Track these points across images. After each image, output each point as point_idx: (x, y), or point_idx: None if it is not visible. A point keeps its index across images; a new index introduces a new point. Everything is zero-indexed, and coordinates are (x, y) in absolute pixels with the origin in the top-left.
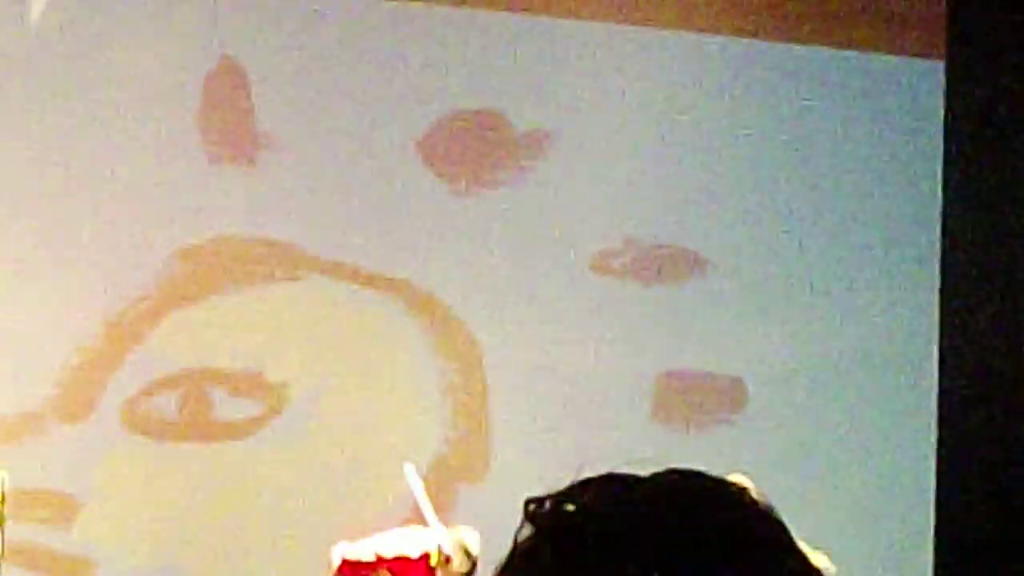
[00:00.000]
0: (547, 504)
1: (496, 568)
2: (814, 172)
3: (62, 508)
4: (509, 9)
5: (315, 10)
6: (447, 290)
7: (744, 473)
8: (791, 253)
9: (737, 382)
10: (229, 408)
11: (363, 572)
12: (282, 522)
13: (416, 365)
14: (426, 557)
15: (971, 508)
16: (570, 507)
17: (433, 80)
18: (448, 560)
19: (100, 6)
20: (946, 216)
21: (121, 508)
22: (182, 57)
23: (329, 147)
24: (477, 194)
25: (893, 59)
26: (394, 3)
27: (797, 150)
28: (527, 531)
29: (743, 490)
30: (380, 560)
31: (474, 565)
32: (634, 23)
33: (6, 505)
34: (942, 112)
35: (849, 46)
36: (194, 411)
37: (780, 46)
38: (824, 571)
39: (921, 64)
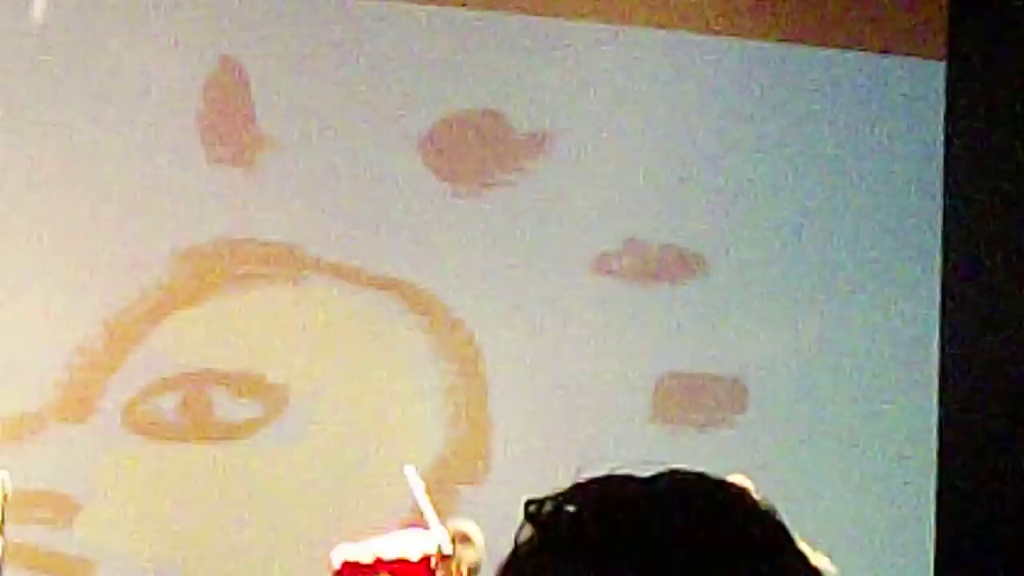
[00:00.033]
0: (547, 505)
1: (497, 568)
2: (815, 173)
3: (63, 508)
4: (510, 11)
5: (315, 12)
6: (447, 291)
7: (744, 474)
8: (791, 254)
9: (737, 383)
10: (229, 409)
11: (363, 574)
12: (282, 522)
13: (416, 366)
14: (426, 560)
15: (972, 508)
16: (570, 508)
17: (434, 81)
18: (446, 558)
19: (100, 9)
20: (947, 216)
21: (121, 508)
22: (182, 59)
23: (329, 148)
24: (477, 195)
25: (894, 60)
26: (395, 5)
27: (798, 150)
28: (527, 532)
29: (743, 491)
30: (380, 562)
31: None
32: (634, 24)
33: (7, 505)
34: (943, 112)
35: (850, 47)
36: (194, 412)
37: (780, 46)
38: (824, 571)
39: (922, 65)
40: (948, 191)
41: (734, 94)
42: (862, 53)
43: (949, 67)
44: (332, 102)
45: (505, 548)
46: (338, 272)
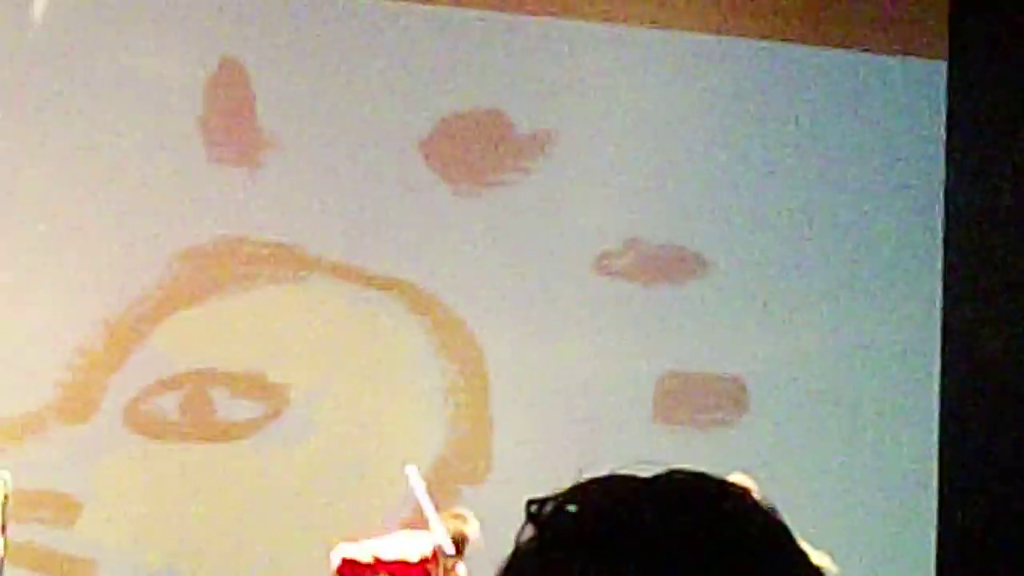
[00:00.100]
0: (549, 505)
1: (498, 568)
2: (815, 173)
3: (64, 508)
4: (511, 11)
5: (316, 13)
6: (449, 291)
7: (745, 473)
8: (792, 254)
9: (738, 383)
10: (230, 409)
11: (362, 573)
12: (283, 522)
13: (418, 366)
14: (425, 562)
15: (973, 508)
16: (572, 508)
17: (435, 81)
18: (435, 558)
19: (101, 9)
20: (948, 216)
21: (123, 508)
22: (183, 60)
23: (331, 148)
24: (479, 195)
25: (895, 59)
26: (397, 5)
27: (798, 151)
28: (529, 532)
29: (745, 490)
30: (378, 563)
31: (463, 540)
32: (636, 25)
33: (8, 505)
34: (944, 112)
35: (851, 47)
36: (196, 412)
37: (781, 46)
38: (826, 571)
39: (923, 64)
40: (949, 191)
41: (735, 94)
42: (863, 53)
43: (950, 67)
44: (333, 102)
45: (506, 548)
46: (339, 272)
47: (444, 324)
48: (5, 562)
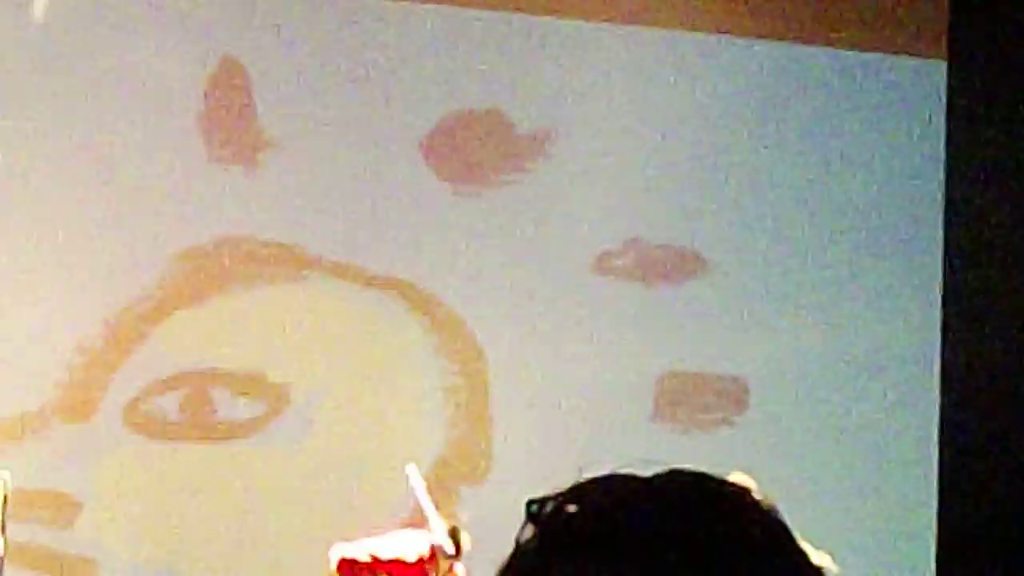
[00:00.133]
0: (549, 505)
1: (498, 568)
2: (815, 173)
3: (64, 508)
4: (511, 10)
5: (316, 12)
6: (449, 291)
7: (745, 473)
8: (792, 254)
9: (738, 382)
10: (231, 408)
11: (360, 572)
12: (283, 522)
13: (418, 366)
14: (422, 561)
15: (974, 508)
16: (572, 508)
17: (435, 81)
18: (433, 558)
19: (101, 8)
20: (948, 216)
21: (123, 508)
22: (183, 58)
23: (331, 148)
24: (479, 195)
25: (895, 59)
26: (397, 5)
27: (798, 151)
28: (529, 532)
29: (745, 490)
30: (376, 562)
31: (459, 548)
32: (636, 24)
33: (8, 505)
34: (944, 112)
35: (851, 46)
36: (196, 411)
37: (781, 46)
38: (826, 571)
39: (923, 64)
40: (949, 191)
41: (735, 94)
42: (863, 53)
43: (950, 67)
44: (333, 101)
45: (506, 548)
46: (339, 271)
47: (444, 324)
48: (5, 562)
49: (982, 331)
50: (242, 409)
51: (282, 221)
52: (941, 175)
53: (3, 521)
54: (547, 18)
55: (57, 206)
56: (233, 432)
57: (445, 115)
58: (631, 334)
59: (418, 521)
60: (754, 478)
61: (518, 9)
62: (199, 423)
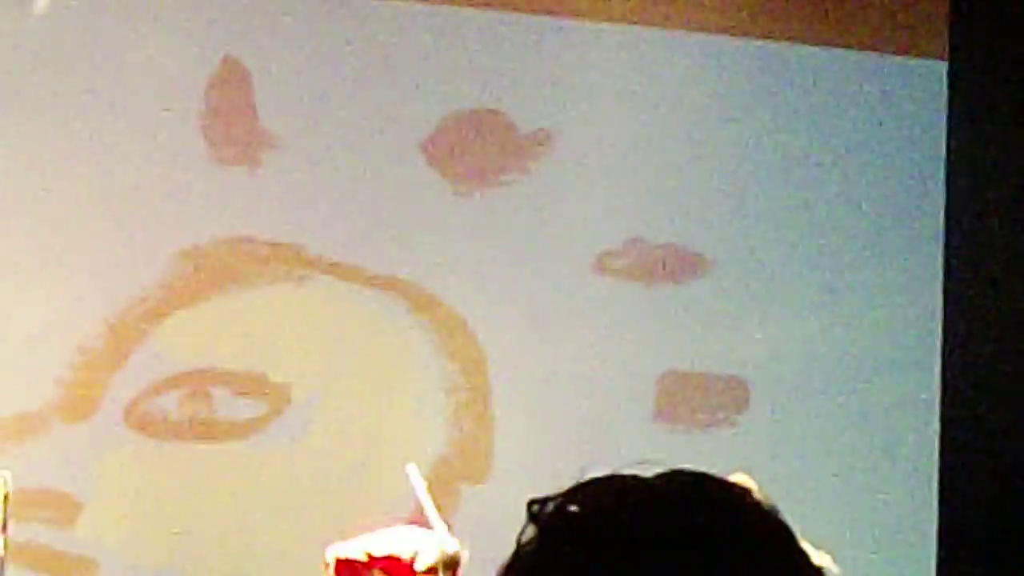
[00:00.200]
0: (550, 505)
1: (499, 569)
2: (816, 172)
3: (64, 507)
4: (513, 10)
5: (317, 11)
6: (450, 291)
7: (746, 473)
8: (793, 253)
9: (739, 382)
10: (231, 408)
11: (357, 571)
12: (284, 521)
13: (419, 365)
14: (414, 558)
15: (975, 508)
16: (573, 508)
17: (436, 81)
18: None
19: (102, 7)
20: (949, 216)
21: (123, 507)
22: (184, 58)
23: (332, 148)
24: (480, 195)
25: (896, 59)
26: (398, 5)
27: (799, 150)
28: (530, 532)
29: (746, 490)
30: (371, 559)
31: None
32: (636, 24)
33: (9, 504)
34: (945, 112)
35: (851, 46)
36: (196, 411)
37: (781, 46)
38: (827, 571)
39: (924, 64)
40: (950, 191)
41: (735, 94)
42: (863, 53)
43: (951, 67)
44: (335, 101)
45: (508, 548)
46: (340, 271)
47: (445, 324)
48: (5, 561)
49: (982, 331)
50: (242, 409)
51: (283, 221)
52: (941, 175)
53: (4, 520)
54: (548, 18)
55: (58, 206)
56: (234, 431)
57: (446, 115)
58: (632, 334)
59: (419, 520)
60: (755, 478)
61: (520, 9)
62: (200, 423)
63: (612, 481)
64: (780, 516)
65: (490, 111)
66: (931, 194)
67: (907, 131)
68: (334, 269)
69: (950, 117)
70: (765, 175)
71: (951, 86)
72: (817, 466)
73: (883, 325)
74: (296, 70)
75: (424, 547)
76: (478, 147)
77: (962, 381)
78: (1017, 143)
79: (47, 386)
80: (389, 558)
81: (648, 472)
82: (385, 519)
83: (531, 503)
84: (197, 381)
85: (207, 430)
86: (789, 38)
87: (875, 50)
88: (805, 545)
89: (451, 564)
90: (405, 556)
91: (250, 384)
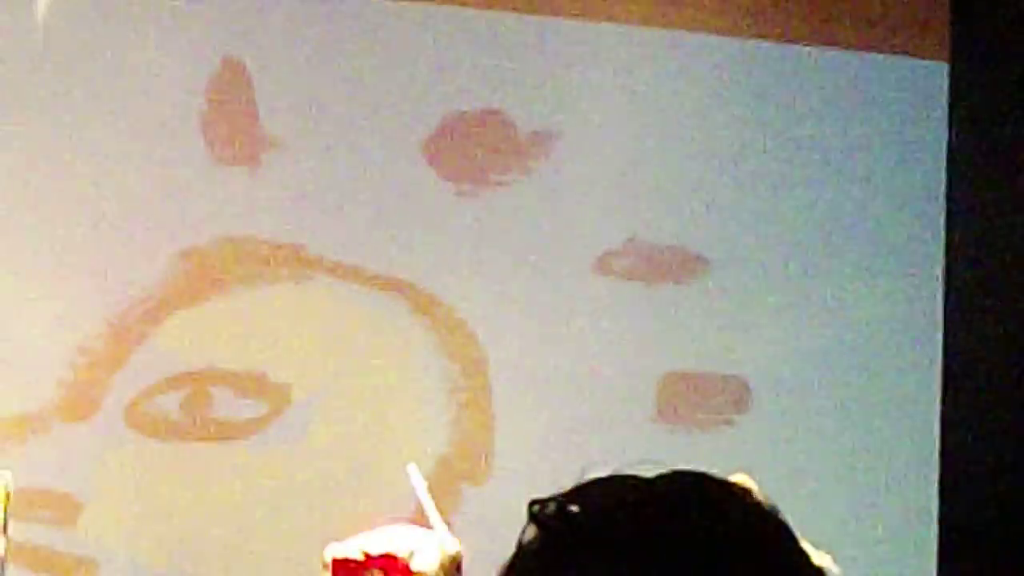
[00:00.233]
0: (551, 506)
1: (499, 569)
2: (816, 173)
3: (65, 508)
4: (513, 9)
5: (318, 12)
6: (450, 291)
7: (747, 473)
8: (794, 254)
9: (740, 382)
10: (232, 408)
11: (355, 571)
12: (284, 522)
13: (419, 366)
14: (411, 555)
15: (975, 509)
16: (574, 509)
17: (437, 81)
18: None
19: (103, 9)
20: (950, 216)
21: (124, 508)
22: (185, 59)
23: (333, 148)
24: (481, 195)
25: (896, 59)
26: (399, 5)
27: (799, 151)
28: (531, 533)
29: (747, 491)
30: (368, 558)
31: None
32: (636, 24)
33: (9, 505)
34: (946, 113)
35: (851, 46)
36: (197, 411)
37: (781, 46)
38: (828, 571)
39: (924, 65)
40: (951, 191)
41: (735, 94)
42: (863, 53)
43: (952, 67)
44: (335, 102)
45: (508, 548)
46: (341, 272)
47: (446, 324)
48: (5, 562)
49: (983, 331)
50: (243, 409)
51: (283, 221)
52: (942, 176)
53: (4, 521)
54: (548, 18)
55: (58, 206)
56: (235, 432)
57: (447, 115)
58: (633, 334)
59: (419, 520)
60: (755, 478)
61: (522, 9)
62: (200, 423)
63: (613, 481)
64: (780, 516)
65: (491, 111)
66: (932, 195)
67: (908, 132)
68: (335, 269)
69: (951, 118)
70: (765, 175)
71: (952, 87)
72: (817, 466)
73: (883, 325)
74: (296, 70)
75: (422, 546)
76: (479, 147)
77: (962, 381)
78: (1019, 144)
79: (47, 386)
80: (386, 557)
81: (649, 472)
82: (386, 519)
83: (532, 503)
84: (197, 381)
85: (207, 430)
86: (790, 39)
87: (875, 50)
88: (805, 545)
89: (452, 564)
90: (402, 555)
91: (250, 384)
